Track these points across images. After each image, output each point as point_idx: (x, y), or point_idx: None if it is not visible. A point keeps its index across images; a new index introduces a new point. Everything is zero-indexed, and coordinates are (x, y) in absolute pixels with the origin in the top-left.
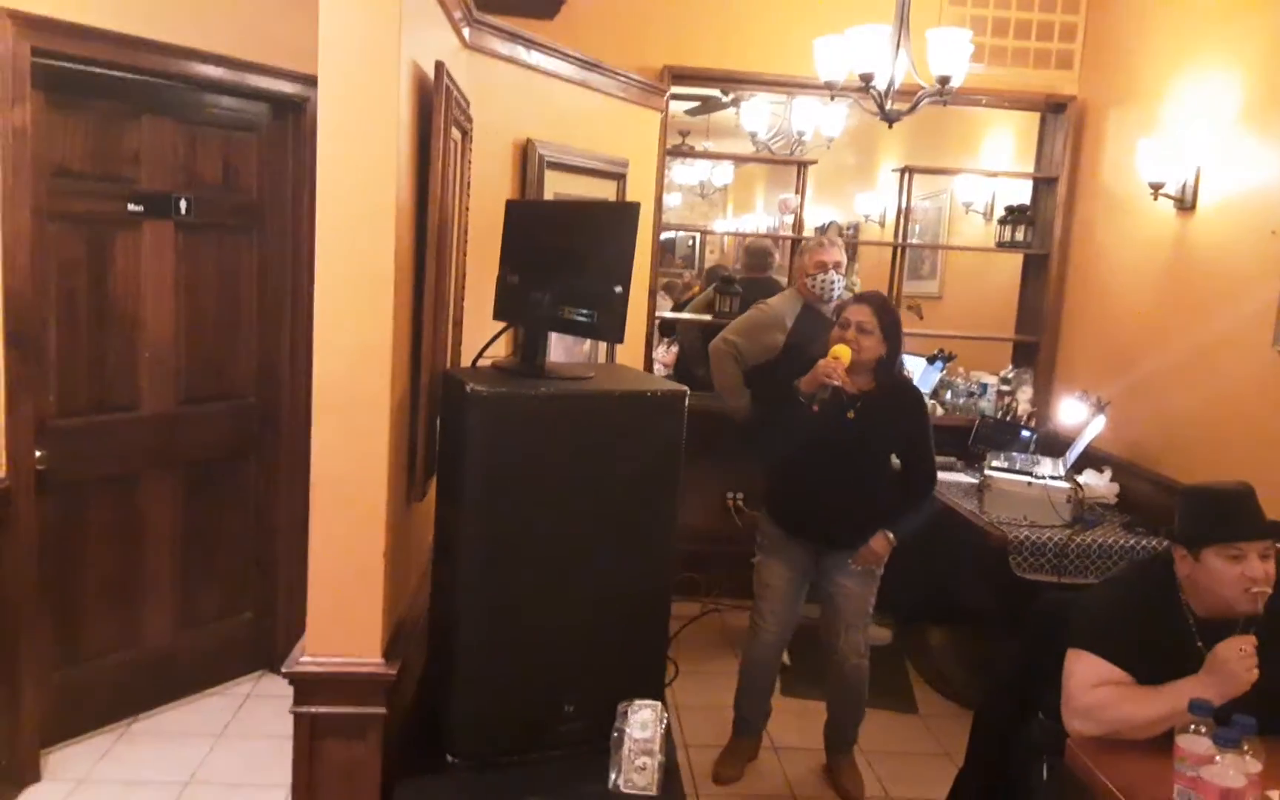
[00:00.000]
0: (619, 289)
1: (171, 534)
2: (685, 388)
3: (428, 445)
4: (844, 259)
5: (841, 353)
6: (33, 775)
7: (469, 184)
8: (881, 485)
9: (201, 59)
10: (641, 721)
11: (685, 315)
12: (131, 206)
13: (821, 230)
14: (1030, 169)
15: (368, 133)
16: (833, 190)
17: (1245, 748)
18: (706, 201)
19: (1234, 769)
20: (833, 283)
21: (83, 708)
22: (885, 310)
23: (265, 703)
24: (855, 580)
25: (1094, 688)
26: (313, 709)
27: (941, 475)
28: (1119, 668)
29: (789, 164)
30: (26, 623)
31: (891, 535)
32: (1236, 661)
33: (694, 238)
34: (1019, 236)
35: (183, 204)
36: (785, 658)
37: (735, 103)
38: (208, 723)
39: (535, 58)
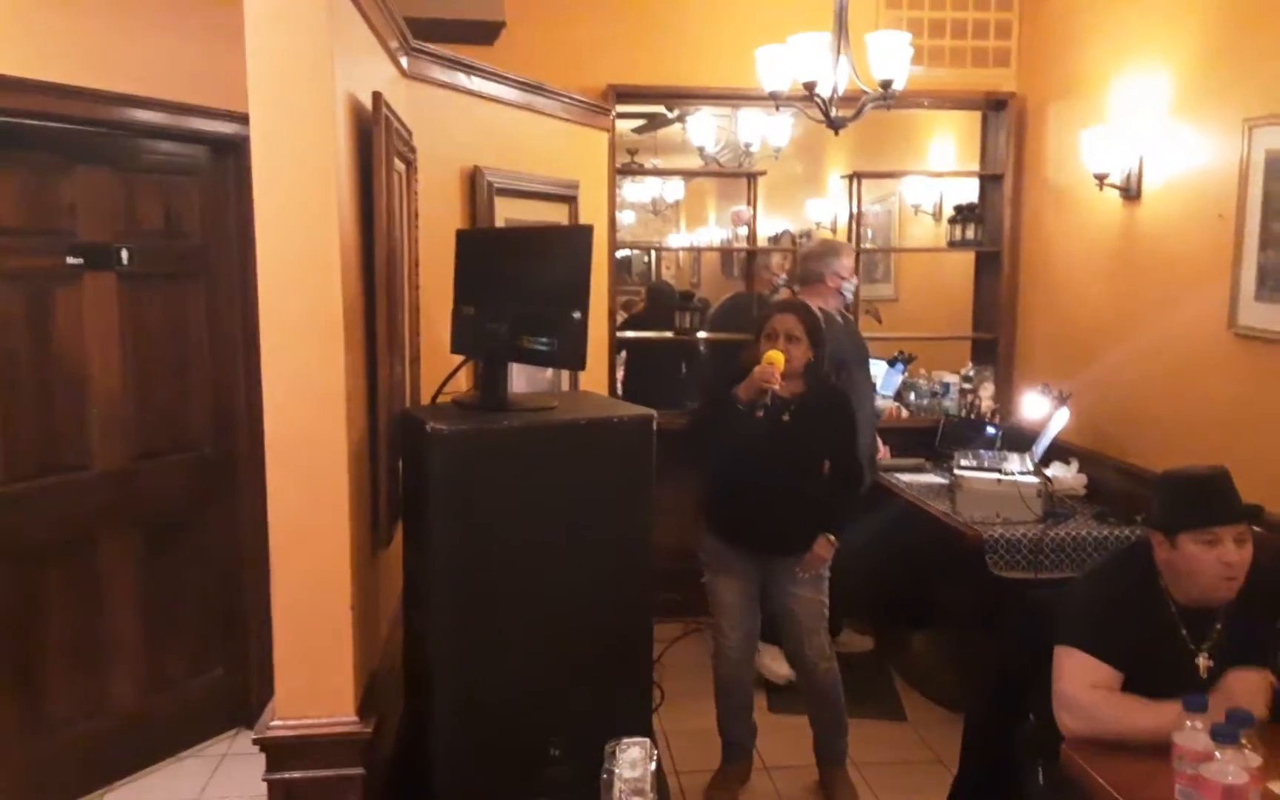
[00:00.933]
0: (577, 315)
1: (134, 594)
2: (652, 412)
3: (390, 489)
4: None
5: (776, 358)
6: None
7: (416, 215)
8: (819, 488)
9: (136, 104)
10: (630, 760)
11: (642, 334)
12: (70, 260)
13: (774, 240)
14: (975, 167)
15: (304, 170)
16: (784, 200)
17: (1244, 742)
18: (660, 218)
19: (1234, 765)
20: (854, 287)
21: (51, 781)
22: (809, 315)
23: (242, 761)
24: (806, 587)
25: (1087, 687)
26: (287, 775)
27: (910, 477)
28: (1108, 664)
29: (738, 176)
30: None
31: (832, 537)
32: (1241, 693)
33: (649, 254)
34: (969, 234)
35: (124, 254)
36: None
37: (681, 118)
38: (184, 787)
39: (477, 83)
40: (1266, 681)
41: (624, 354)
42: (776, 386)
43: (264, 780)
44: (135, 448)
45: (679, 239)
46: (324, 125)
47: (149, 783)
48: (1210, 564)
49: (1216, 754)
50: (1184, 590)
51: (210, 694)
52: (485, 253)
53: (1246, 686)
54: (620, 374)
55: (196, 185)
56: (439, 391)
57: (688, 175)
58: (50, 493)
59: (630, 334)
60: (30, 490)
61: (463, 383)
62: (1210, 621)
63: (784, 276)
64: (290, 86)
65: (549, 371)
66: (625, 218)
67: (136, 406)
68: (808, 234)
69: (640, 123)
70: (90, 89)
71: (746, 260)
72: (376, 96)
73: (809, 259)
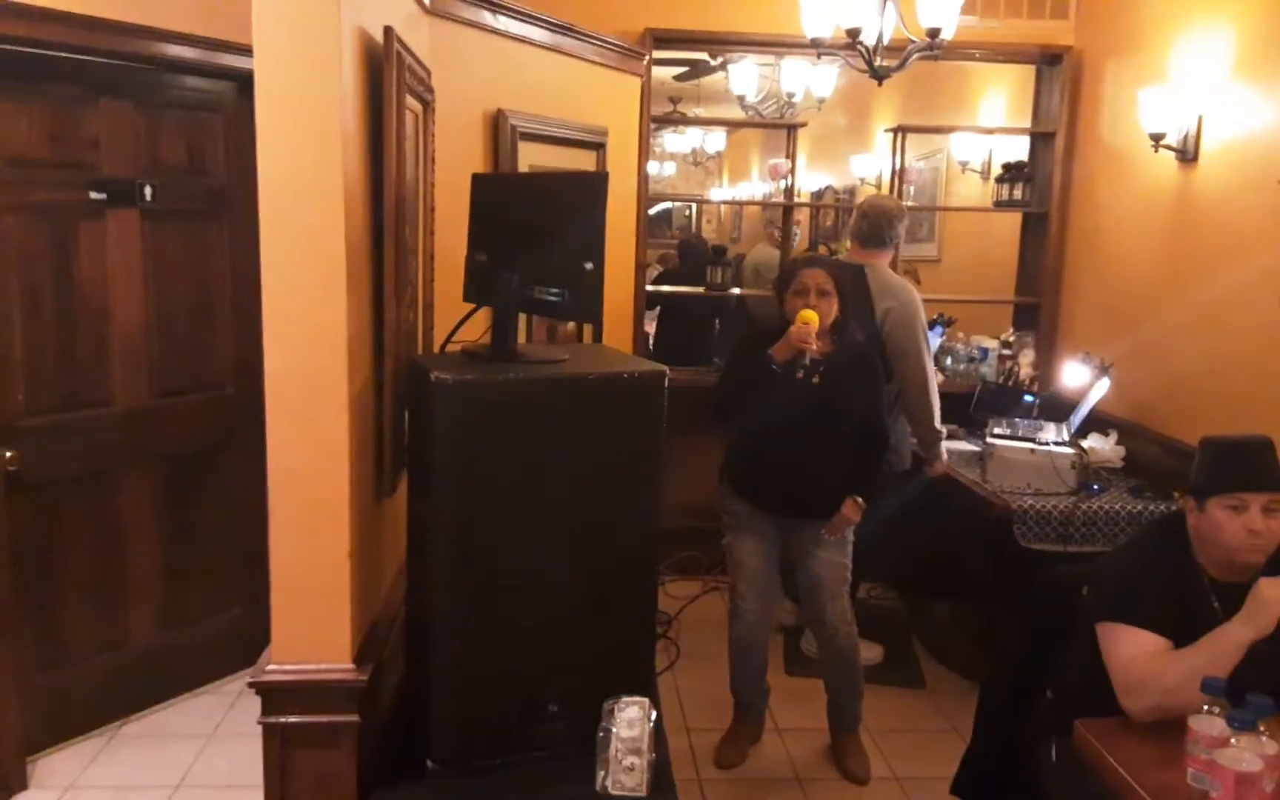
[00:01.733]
0: (590, 266)
1: (153, 531)
2: (664, 368)
3: (395, 437)
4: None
5: (810, 317)
6: (19, 783)
7: (433, 158)
8: (846, 449)
9: (161, 38)
10: (628, 719)
11: (674, 289)
12: (93, 194)
13: (817, 196)
14: (1027, 124)
15: (307, 105)
16: (827, 153)
17: (1261, 729)
18: (701, 169)
19: (1250, 751)
20: None
21: (69, 712)
22: (838, 270)
23: (258, 700)
24: (830, 549)
25: (1133, 661)
26: (282, 719)
27: (943, 444)
28: (1153, 633)
29: (778, 127)
30: (6, 628)
31: (860, 499)
32: (1268, 587)
33: (690, 207)
34: (1017, 195)
35: (147, 190)
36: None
37: (724, 66)
38: (199, 723)
39: (503, 22)
40: None
41: (657, 309)
42: (814, 346)
43: (259, 722)
44: (157, 385)
45: (721, 192)
46: (328, 59)
47: (165, 717)
48: (1235, 530)
49: (1232, 739)
50: (1212, 558)
51: (228, 632)
52: (499, 198)
53: (1274, 586)
54: (653, 329)
55: (221, 122)
56: (448, 340)
57: (724, 125)
58: (71, 427)
59: (664, 289)
60: (52, 424)
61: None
62: (1242, 594)
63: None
64: (294, 17)
65: (570, 323)
66: (666, 169)
67: (159, 344)
68: (851, 190)
69: (683, 70)
70: (115, 21)
71: (784, 216)
72: (388, 32)
73: (883, 217)
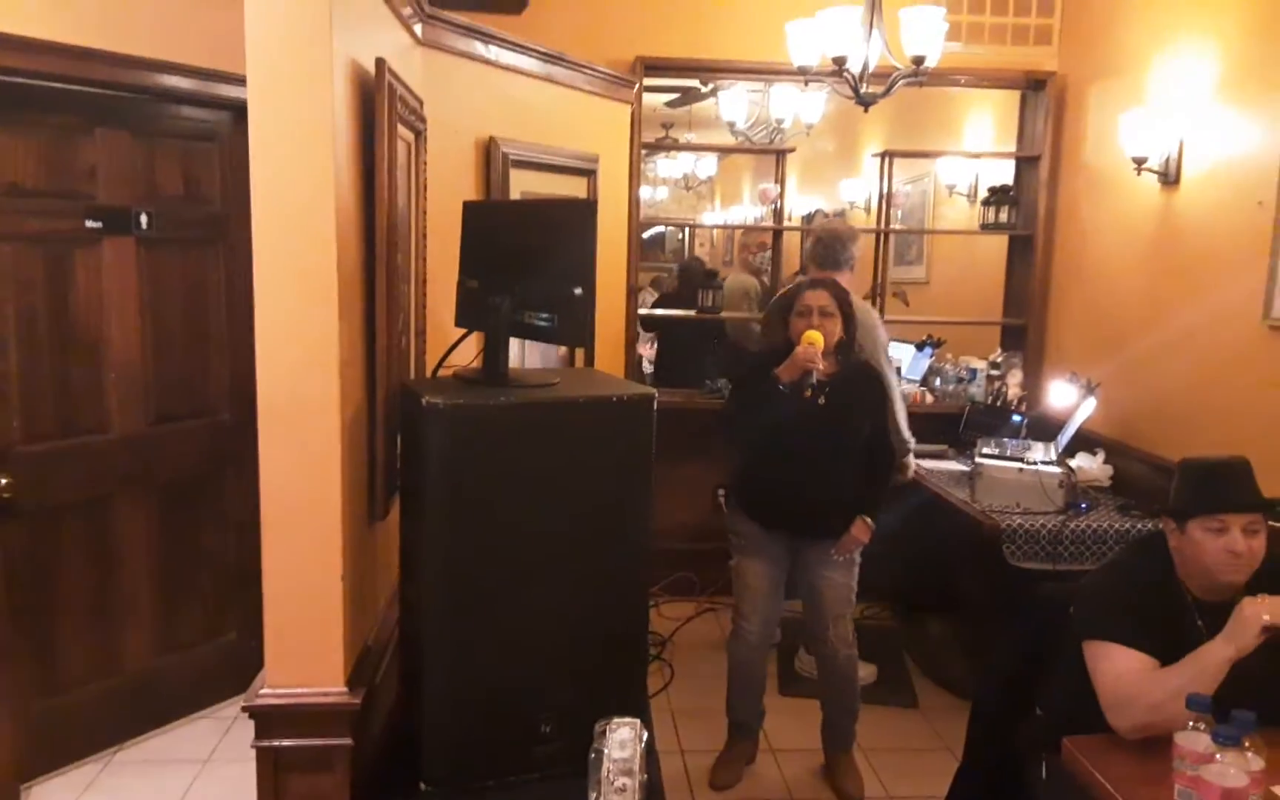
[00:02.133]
0: (579, 291)
1: (149, 556)
2: (653, 391)
3: (388, 461)
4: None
5: (815, 338)
6: None
7: (425, 186)
8: (854, 468)
9: (158, 68)
10: (620, 740)
11: (664, 311)
12: (90, 223)
13: (807, 219)
14: (1012, 148)
15: (300, 134)
16: (816, 178)
17: (1246, 744)
18: (693, 194)
19: (1235, 767)
20: None
21: (64, 739)
22: (840, 291)
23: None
24: (838, 570)
25: (1120, 679)
26: (275, 743)
27: (932, 464)
28: (1139, 651)
29: (767, 152)
30: (1, 653)
31: (869, 519)
32: (1249, 605)
33: (682, 231)
34: (1003, 217)
35: (143, 218)
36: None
37: (715, 93)
38: (194, 748)
39: (494, 52)
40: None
41: (654, 333)
42: (820, 367)
43: (252, 747)
44: (153, 412)
45: (713, 216)
46: (320, 90)
47: (159, 743)
48: (1216, 552)
49: (1218, 756)
50: (1194, 579)
51: (223, 657)
52: (490, 224)
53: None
54: (653, 352)
55: (217, 151)
56: (439, 364)
57: (714, 150)
58: (68, 454)
59: (655, 312)
60: (48, 451)
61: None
62: (1225, 612)
63: (766, 254)
64: (287, 50)
65: (561, 348)
66: (659, 194)
67: (154, 371)
68: (841, 213)
69: (674, 96)
70: (111, 52)
71: (774, 240)
72: (380, 63)
73: (836, 241)
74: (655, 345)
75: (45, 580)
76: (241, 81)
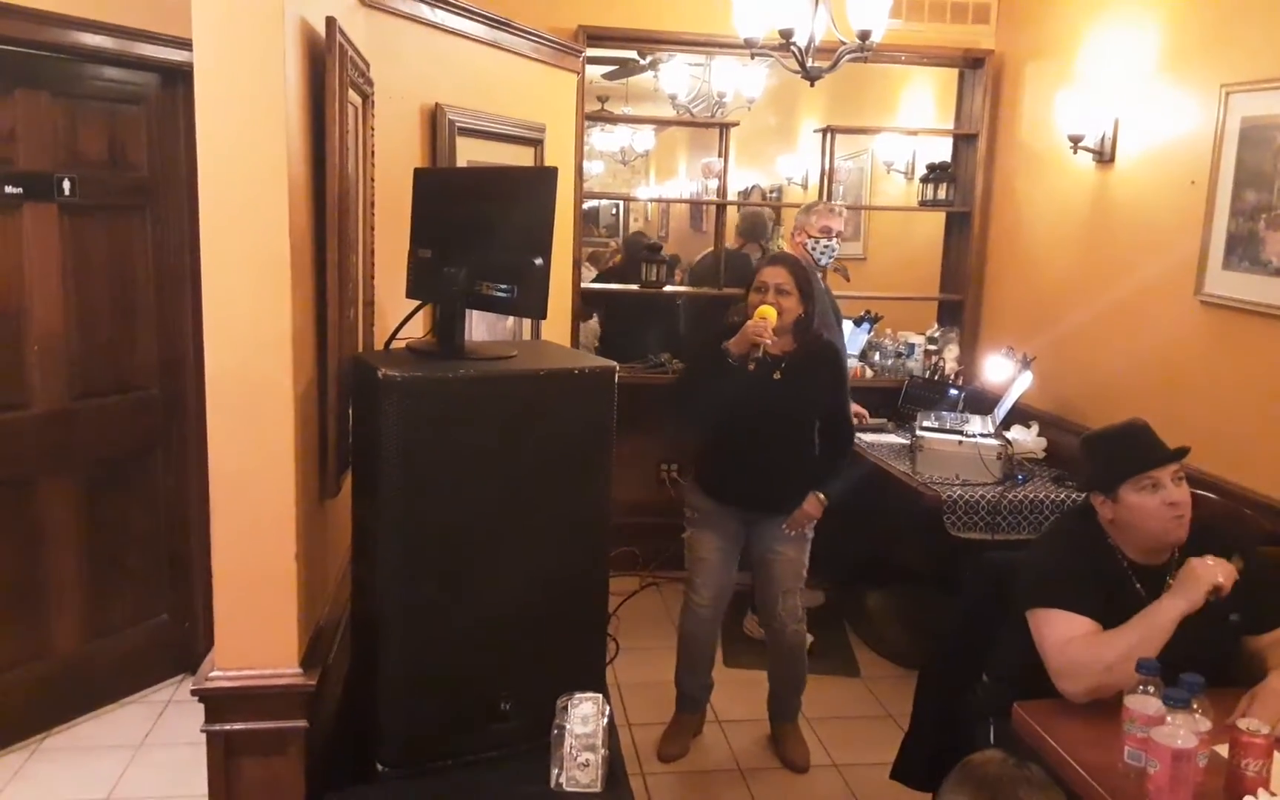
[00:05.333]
0: (539, 261)
1: (76, 537)
2: (614, 363)
3: (339, 436)
4: (843, 227)
5: (768, 313)
6: None
7: (373, 153)
8: (809, 445)
9: (80, 27)
10: (582, 715)
11: (611, 286)
12: (9, 189)
13: (744, 194)
14: (950, 126)
15: (250, 97)
16: (754, 154)
17: (1195, 706)
18: (629, 168)
19: (1185, 728)
20: (833, 250)
21: None
22: (799, 270)
23: (187, 709)
24: (790, 545)
25: (1075, 641)
26: (226, 726)
27: (873, 437)
28: (1083, 616)
29: (711, 127)
30: None
31: (822, 495)
32: (1199, 564)
33: (617, 206)
34: (941, 194)
35: (66, 184)
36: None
37: (653, 66)
38: (126, 734)
39: (440, 16)
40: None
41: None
42: (769, 340)
43: (202, 731)
44: (77, 387)
45: (648, 191)
46: (271, 50)
47: (89, 728)
48: (1156, 508)
49: (1168, 717)
50: (1134, 543)
51: (154, 640)
52: (444, 193)
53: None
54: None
55: (144, 115)
56: (392, 337)
57: (659, 123)
58: None
59: (596, 286)
60: None
61: (420, 330)
62: (1162, 576)
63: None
64: (236, 8)
65: (509, 322)
66: (594, 168)
67: (78, 344)
68: (778, 190)
69: (611, 68)
70: (31, 8)
71: (716, 214)
72: (330, 22)
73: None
74: (600, 319)
75: None
76: (166, 41)
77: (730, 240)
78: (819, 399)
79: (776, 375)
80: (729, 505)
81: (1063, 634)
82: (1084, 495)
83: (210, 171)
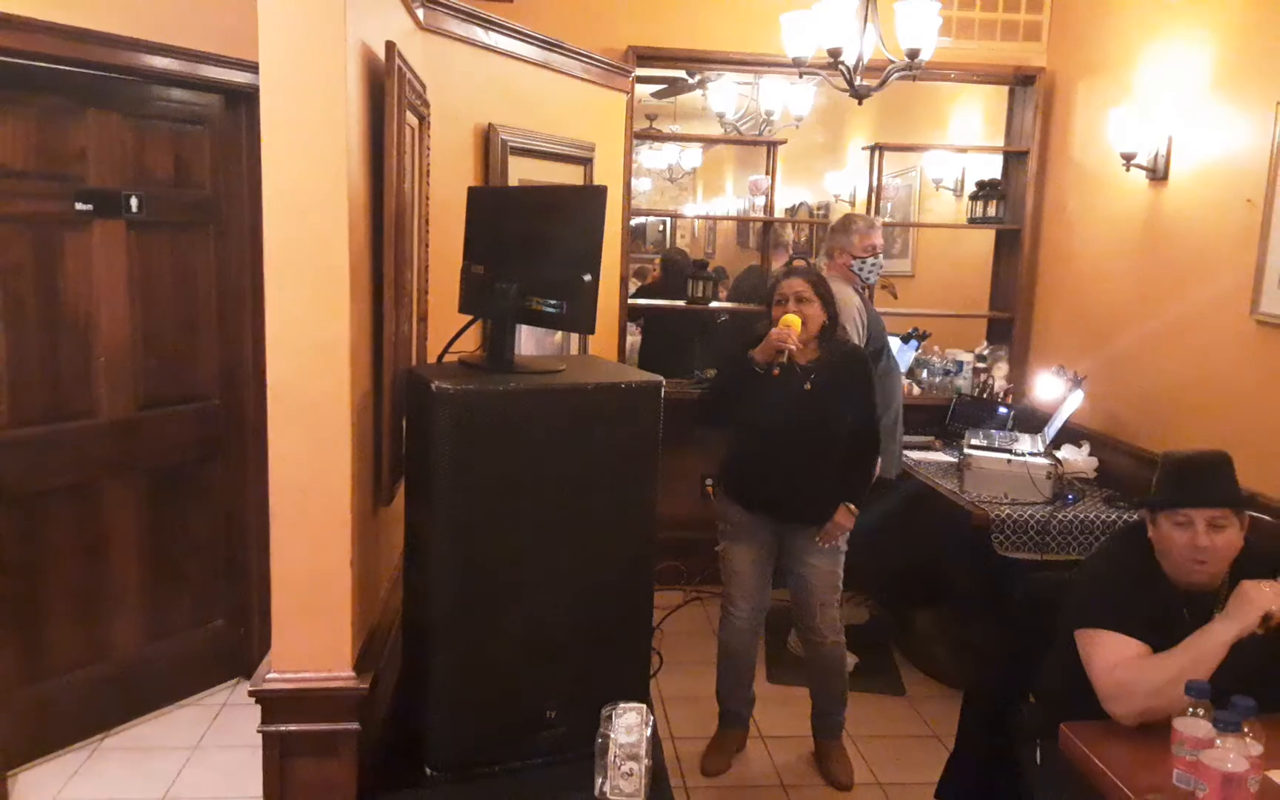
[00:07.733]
0: (588, 277)
1: (137, 542)
2: (660, 378)
3: (393, 446)
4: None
5: (792, 321)
6: (0, 797)
7: (428, 171)
8: (839, 455)
9: (149, 50)
10: (626, 725)
11: (655, 301)
12: (79, 206)
13: (791, 212)
14: (1000, 143)
15: (314, 119)
16: (802, 170)
17: (1245, 730)
18: (676, 185)
19: (1235, 752)
20: (879, 266)
21: (51, 725)
22: (819, 280)
23: (242, 711)
24: (823, 557)
25: (1123, 665)
26: (281, 727)
27: (920, 455)
28: (1132, 638)
29: (758, 144)
30: None
31: (853, 506)
32: (1252, 588)
33: (664, 222)
34: (990, 212)
35: (134, 201)
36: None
37: (701, 84)
38: (182, 735)
39: (494, 39)
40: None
41: (640, 321)
42: (793, 346)
43: (259, 732)
44: (141, 397)
45: (695, 208)
46: (334, 74)
47: (147, 730)
48: (1181, 546)
49: (1217, 740)
50: (1171, 571)
51: (211, 644)
52: (496, 211)
53: (1253, 583)
54: (634, 341)
55: (208, 135)
56: (445, 350)
57: (707, 141)
58: (56, 439)
59: (643, 302)
60: (36, 436)
61: (472, 343)
62: (1210, 603)
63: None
64: (301, 34)
65: (557, 336)
66: (641, 185)
67: (143, 356)
68: (825, 207)
69: (660, 87)
70: (102, 32)
71: (763, 231)
72: (390, 46)
73: (830, 234)
74: (640, 335)
75: (32, 566)
76: (232, 64)
77: (734, 299)
78: (847, 406)
79: (807, 386)
80: (760, 514)
81: (1112, 656)
82: (1136, 514)
83: (274, 189)
